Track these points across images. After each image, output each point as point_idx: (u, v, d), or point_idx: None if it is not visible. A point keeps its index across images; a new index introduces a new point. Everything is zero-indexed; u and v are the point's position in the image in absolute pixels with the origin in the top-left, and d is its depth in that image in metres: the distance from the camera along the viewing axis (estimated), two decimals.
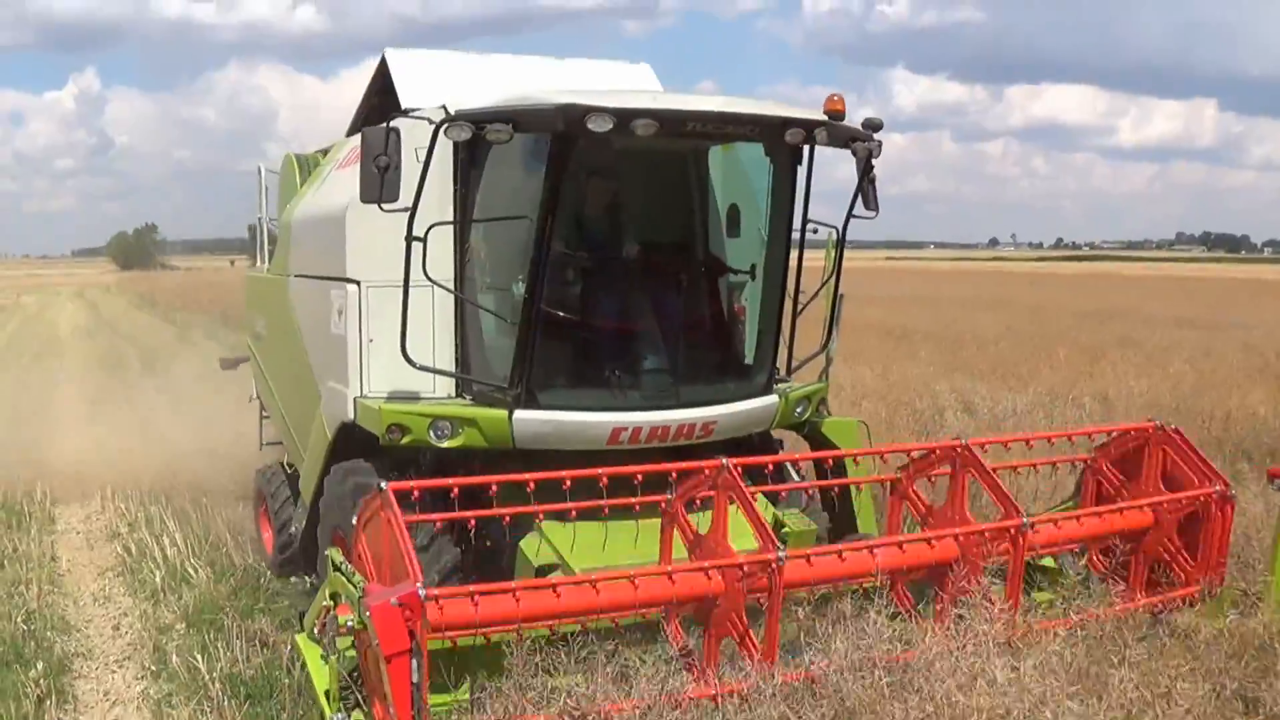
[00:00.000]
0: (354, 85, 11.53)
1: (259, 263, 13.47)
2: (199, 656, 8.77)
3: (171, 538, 12.27)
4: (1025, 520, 6.97)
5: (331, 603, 6.29)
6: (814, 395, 9.47)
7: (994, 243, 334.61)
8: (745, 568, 6.17)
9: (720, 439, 8.74)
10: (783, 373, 9.34)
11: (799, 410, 9.30)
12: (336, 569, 6.36)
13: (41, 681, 8.48)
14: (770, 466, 9.32)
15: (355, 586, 5.85)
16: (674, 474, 7.05)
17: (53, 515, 14.14)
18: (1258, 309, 45.15)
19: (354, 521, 6.65)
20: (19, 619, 9.99)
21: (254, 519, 12.58)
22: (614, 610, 6.14)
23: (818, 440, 9.88)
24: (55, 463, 15.86)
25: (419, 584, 5.21)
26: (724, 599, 6.23)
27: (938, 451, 7.70)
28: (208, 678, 8.39)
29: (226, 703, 7.95)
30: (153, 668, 9.00)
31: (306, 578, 10.63)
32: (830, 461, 8.57)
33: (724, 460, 6.81)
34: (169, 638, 9.61)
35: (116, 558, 12.23)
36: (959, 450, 7.47)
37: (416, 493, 6.39)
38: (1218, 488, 7.92)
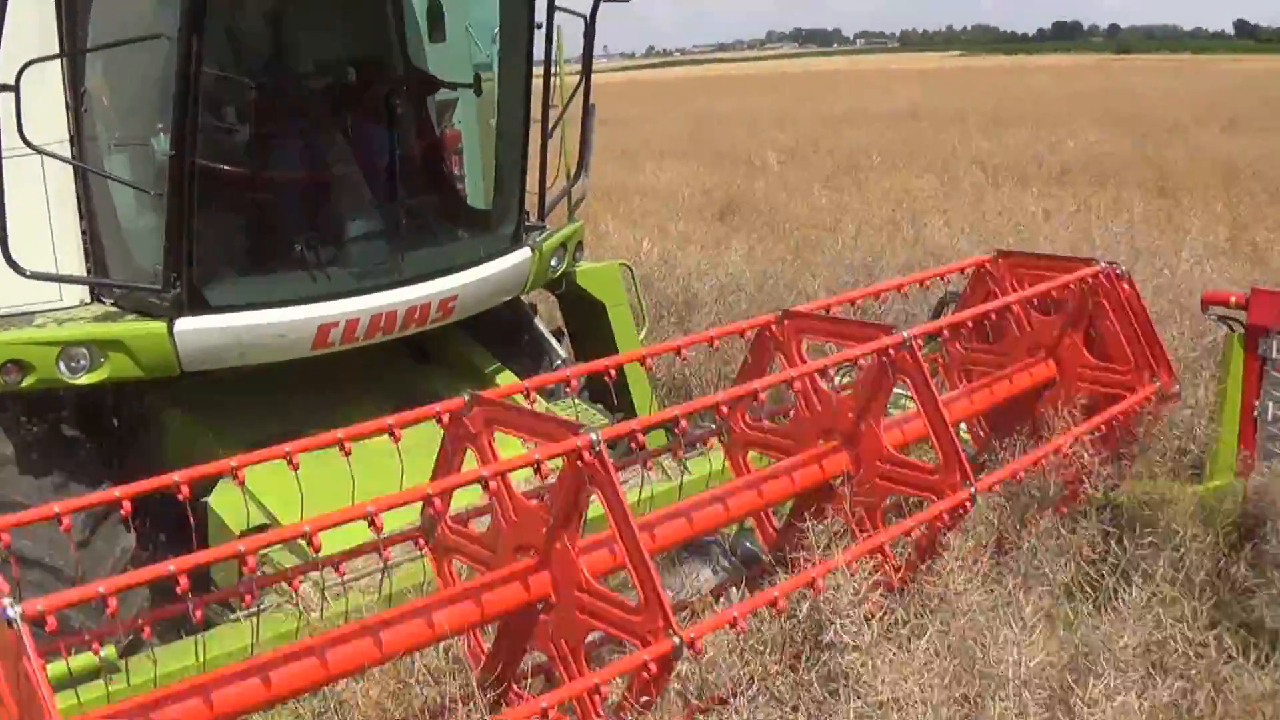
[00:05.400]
0: None
1: None
2: None
3: None
4: (907, 335, 4.80)
5: None
6: (570, 240, 7.34)
7: None
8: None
9: (462, 318, 6.61)
10: (532, 217, 7.18)
11: (554, 263, 7.19)
12: None
13: None
14: (526, 341, 7.37)
15: None
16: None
17: None
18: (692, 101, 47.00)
19: None
20: None
21: None
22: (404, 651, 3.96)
23: (572, 295, 7.83)
24: None
25: None
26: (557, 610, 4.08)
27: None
28: None
29: None
30: None
31: None
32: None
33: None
34: None
35: None
36: (778, 326, 5.33)
37: None
38: (1102, 265, 5.98)
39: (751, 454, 5.43)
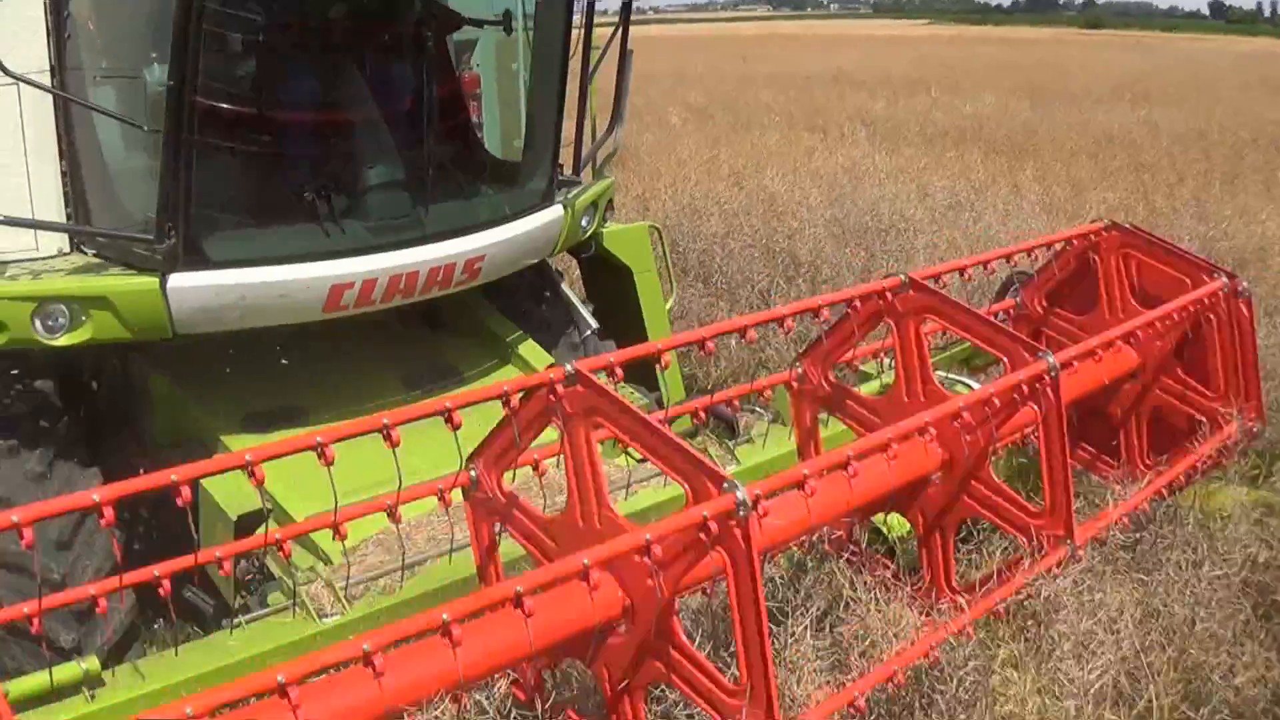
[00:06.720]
0: None
1: None
2: None
3: None
4: (1053, 361, 4.23)
5: None
6: (601, 199, 6.66)
7: None
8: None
9: (488, 280, 5.93)
10: (566, 171, 6.49)
11: (585, 223, 6.51)
12: None
13: None
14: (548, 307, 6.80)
15: None
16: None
17: None
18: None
19: None
20: None
21: None
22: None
23: (598, 258, 7.14)
24: None
25: None
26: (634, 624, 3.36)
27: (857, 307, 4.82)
28: None
29: None
30: None
31: None
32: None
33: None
34: None
35: None
36: (898, 294, 4.66)
37: None
38: (1222, 280, 5.40)
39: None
